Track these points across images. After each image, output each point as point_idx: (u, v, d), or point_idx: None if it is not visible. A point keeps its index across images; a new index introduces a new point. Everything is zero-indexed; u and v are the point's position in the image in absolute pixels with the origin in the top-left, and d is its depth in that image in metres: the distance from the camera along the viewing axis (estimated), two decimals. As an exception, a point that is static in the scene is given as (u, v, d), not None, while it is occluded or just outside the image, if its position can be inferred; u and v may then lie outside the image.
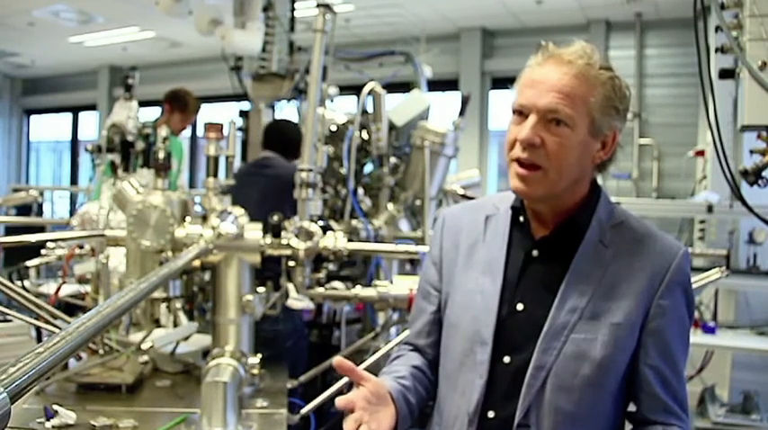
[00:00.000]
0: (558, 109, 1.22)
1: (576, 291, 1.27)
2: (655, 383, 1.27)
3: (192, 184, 8.74)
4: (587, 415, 1.25)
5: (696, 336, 3.45)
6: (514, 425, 1.25)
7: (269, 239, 2.09)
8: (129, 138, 2.86)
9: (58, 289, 2.32)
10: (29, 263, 2.56)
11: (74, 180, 11.05)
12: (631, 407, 1.34)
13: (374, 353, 2.34)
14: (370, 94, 3.20)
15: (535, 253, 1.33)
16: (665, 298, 1.27)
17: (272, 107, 4.07)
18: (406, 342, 1.51)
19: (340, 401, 1.21)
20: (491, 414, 1.28)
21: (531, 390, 1.25)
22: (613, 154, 1.32)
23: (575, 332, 1.25)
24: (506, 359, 1.29)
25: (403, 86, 4.06)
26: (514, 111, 1.28)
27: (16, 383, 0.67)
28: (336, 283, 2.27)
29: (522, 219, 1.36)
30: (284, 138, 3.40)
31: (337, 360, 1.22)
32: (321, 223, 2.19)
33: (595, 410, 1.26)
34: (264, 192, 2.62)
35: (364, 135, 3.34)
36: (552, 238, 1.32)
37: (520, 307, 1.30)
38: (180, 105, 4.37)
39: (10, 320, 2.07)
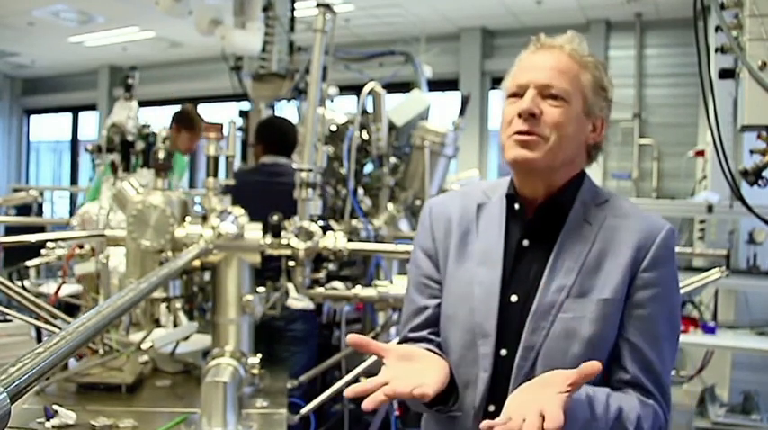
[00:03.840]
0: (554, 84, 1.26)
1: (562, 270, 1.26)
2: (627, 361, 1.24)
3: (192, 184, 8.73)
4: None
5: (696, 336, 3.45)
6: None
7: (269, 239, 2.09)
8: (129, 138, 2.87)
9: (58, 289, 2.32)
10: (29, 263, 2.56)
11: (74, 180, 11.04)
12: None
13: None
14: (370, 93, 3.20)
15: (526, 243, 1.32)
16: (649, 271, 1.25)
17: (272, 107, 4.07)
18: (407, 338, 1.41)
19: (356, 388, 1.08)
20: (491, 408, 1.27)
21: (522, 372, 1.24)
22: (602, 140, 1.34)
23: (562, 311, 1.24)
24: (503, 352, 1.28)
25: (403, 86, 4.06)
26: (510, 96, 1.30)
27: (16, 383, 0.67)
28: (336, 283, 2.27)
29: (516, 206, 1.35)
30: (285, 138, 3.34)
31: (351, 337, 1.15)
32: (321, 223, 2.19)
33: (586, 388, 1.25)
34: (286, 202, 2.47)
35: (364, 135, 3.34)
36: (536, 221, 1.32)
37: (513, 298, 1.30)
38: (187, 125, 4.21)
39: (10, 320, 2.07)
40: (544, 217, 1.32)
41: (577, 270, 1.26)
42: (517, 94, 1.28)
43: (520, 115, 1.26)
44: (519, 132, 1.26)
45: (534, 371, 1.24)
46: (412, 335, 1.39)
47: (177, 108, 4.44)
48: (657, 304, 1.26)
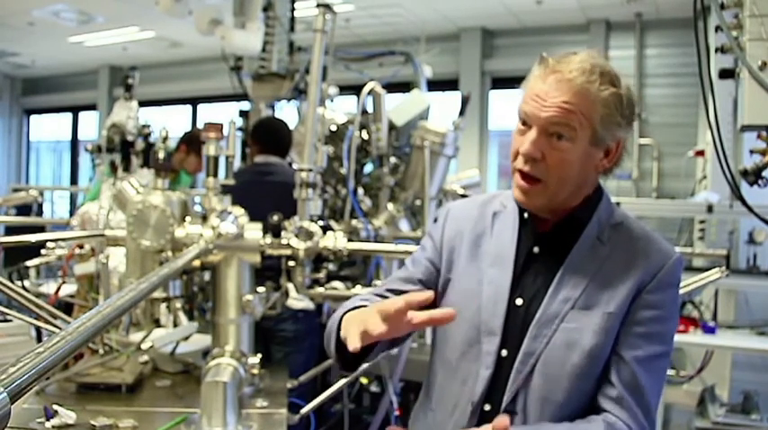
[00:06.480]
0: (559, 123, 1.24)
1: (571, 282, 1.28)
2: (615, 375, 1.25)
3: (192, 184, 8.73)
4: (575, 403, 1.26)
5: (696, 336, 3.45)
6: (501, 411, 1.26)
7: (269, 239, 2.09)
8: (129, 138, 2.87)
9: (58, 289, 2.32)
10: (29, 263, 2.56)
11: (74, 180, 11.03)
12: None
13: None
14: (370, 93, 3.20)
15: (536, 250, 1.35)
16: (652, 293, 1.27)
17: (272, 107, 4.07)
18: (388, 290, 1.42)
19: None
20: (487, 406, 1.29)
21: (520, 376, 1.26)
22: (618, 160, 1.34)
23: (566, 321, 1.26)
24: (504, 352, 1.30)
25: (403, 86, 4.05)
26: (519, 118, 1.30)
27: (16, 383, 0.67)
28: (336, 283, 2.27)
29: (525, 215, 1.38)
30: (279, 138, 3.33)
31: None
32: (321, 223, 2.19)
33: (583, 399, 1.27)
34: (273, 201, 2.50)
35: (364, 135, 3.34)
36: (552, 234, 1.35)
37: (519, 302, 1.32)
38: (196, 148, 4.13)
39: (10, 320, 2.07)
40: (559, 229, 1.34)
41: (585, 284, 1.28)
42: (524, 122, 1.29)
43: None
44: (521, 173, 1.29)
45: (532, 377, 1.26)
46: (388, 293, 1.40)
47: (177, 108, 4.43)
48: (655, 325, 1.28)
